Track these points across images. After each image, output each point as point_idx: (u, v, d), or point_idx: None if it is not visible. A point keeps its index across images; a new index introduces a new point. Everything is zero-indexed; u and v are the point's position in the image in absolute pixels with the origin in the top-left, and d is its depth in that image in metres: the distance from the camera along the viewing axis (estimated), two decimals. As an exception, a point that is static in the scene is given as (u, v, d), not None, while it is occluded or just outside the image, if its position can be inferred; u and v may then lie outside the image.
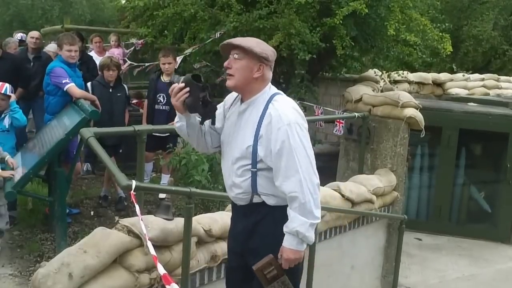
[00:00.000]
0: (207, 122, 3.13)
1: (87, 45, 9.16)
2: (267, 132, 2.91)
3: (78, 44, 6.21)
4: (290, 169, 2.89)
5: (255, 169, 2.99)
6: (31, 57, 7.52)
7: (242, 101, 3.09)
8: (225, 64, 3.02)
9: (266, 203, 3.04)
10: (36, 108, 7.16)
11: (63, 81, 5.79)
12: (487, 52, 15.21)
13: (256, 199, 3.05)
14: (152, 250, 2.71)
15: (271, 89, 3.06)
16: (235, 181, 3.08)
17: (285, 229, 2.96)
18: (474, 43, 14.99)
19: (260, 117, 2.95)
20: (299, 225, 2.91)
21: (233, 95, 3.19)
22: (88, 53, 8.51)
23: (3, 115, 5.78)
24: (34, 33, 7.92)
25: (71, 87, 5.80)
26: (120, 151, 6.70)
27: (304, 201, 2.89)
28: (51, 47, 8.62)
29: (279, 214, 3.00)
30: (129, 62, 8.96)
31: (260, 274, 3.00)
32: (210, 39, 6.87)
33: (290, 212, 2.94)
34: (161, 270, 2.56)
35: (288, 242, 2.96)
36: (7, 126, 5.78)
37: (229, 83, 3.02)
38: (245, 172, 3.03)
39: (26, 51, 7.70)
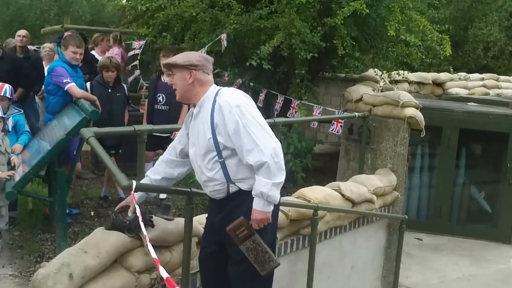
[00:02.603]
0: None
1: (90, 45, 9.15)
2: (221, 119, 3.21)
3: (84, 47, 6.22)
4: (249, 143, 3.15)
5: (222, 159, 3.27)
6: (20, 57, 7.49)
7: (194, 105, 3.42)
8: (168, 82, 3.61)
9: (241, 189, 3.30)
10: (28, 108, 7.16)
11: (64, 81, 5.79)
12: (496, 55, 15.17)
13: (232, 188, 3.31)
14: (153, 254, 2.70)
15: (216, 88, 3.40)
16: (208, 175, 3.33)
17: (252, 192, 3.22)
18: (483, 47, 14.96)
19: (211, 110, 3.27)
20: (262, 186, 3.16)
21: (188, 114, 3.54)
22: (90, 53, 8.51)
23: (6, 116, 5.79)
24: (21, 32, 7.91)
25: (72, 87, 5.79)
26: (120, 151, 6.69)
27: (267, 165, 3.14)
28: (48, 47, 8.63)
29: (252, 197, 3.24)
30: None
31: (233, 234, 3.23)
32: (211, 43, 6.86)
33: (256, 177, 3.20)
34: (163, 273, 2.55)
35: (255, 204, 3.21)
36: (10, 128, 5.80)
37: (177, 96, 3.47)
38: (214, 164, 3.29)
39: (14, 51, 7.67)
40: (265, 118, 3.38)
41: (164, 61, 3.58)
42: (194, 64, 3.35)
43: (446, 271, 7.17)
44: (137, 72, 9.25)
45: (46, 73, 6.38)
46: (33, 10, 17.68)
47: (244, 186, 3.30)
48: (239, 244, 3.25)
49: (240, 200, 3.31)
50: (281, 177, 3.21)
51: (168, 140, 6.57)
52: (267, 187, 3.16)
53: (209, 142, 3.25)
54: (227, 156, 3.26)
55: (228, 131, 3.19)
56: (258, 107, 3.50)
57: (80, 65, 6.36)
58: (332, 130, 6.47)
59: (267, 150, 3.14)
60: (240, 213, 3.25)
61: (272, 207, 3.27)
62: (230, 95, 3.29)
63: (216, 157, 3.27)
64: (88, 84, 6.46)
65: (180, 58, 3.39)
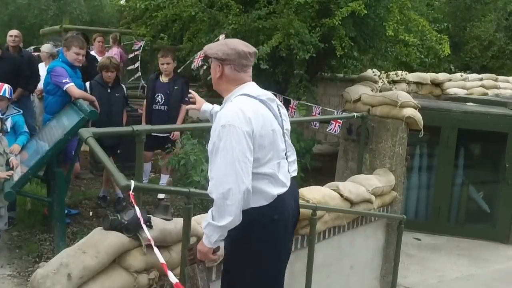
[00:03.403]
0: None
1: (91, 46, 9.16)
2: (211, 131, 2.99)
3: (85, 48, 6.23)
4: (212, 170, 2.92)
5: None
6: (19, 57, 7.48)
7: None
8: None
9: None
10: (23, 107, 7.14)
11: (63, 81, 5.80)
12: (496, 54, 15.18)
13: None
14: (161, 258, 2.71)
15: (241, 89, 3.07)
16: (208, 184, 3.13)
17: None
18: (481, 46, 14.96)
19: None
20: (205, 220, 2.95)
21: None
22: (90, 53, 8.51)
23: (4, 117, 5.81)
24: (13, 32, 7.90)
25: (71, 87, 5.80)
26: (118, 151, 6.69)
27: (215, 202, 2.87)
28: (46, 48, 8.62)
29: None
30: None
31: (185, 253, 3.13)
32: (210, 43, 6.86)
33: None
34: (173, 279, 2.55)
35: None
36: (8, 128, 5.81)
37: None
38: (208, 174, 3.08)
39: (7, 51, 7.67)
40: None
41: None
42: (221, 58, 3.02)
43: (445, 271, 7.18)
44: (138, 73, 9.25)
45: (45, 73, 6.37)
46: (32, 10, 17.68)
47: None
48: (186, 265, 3.12)
49: None
50: (223, 221, 2.83)
51: (167, 140, 6.60)
52: (204, 224, 2.95)
53: (208, 149, 3.06)
54: None
55: (208, 148, 2.99)
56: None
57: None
58: (330, 130, 6.48)
59: (221, 188, 2.82)
60: (227, 237, 3.02)
61: (209, 243, 2.95)
62: (230, 108, 2.94)
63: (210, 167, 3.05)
64: (87, 84, 6.46)
65: (212, 47, 3.09)
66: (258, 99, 3.05)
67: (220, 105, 3.30)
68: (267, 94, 3.16)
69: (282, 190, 3.16)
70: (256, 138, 2.93)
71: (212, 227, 2.90)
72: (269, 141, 3.02)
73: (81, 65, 6.24)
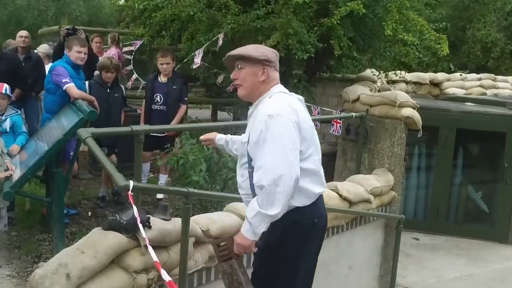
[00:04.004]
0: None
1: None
2: (252, 125, 2.97)
3: (87, 47, 6.23)
4: (259, 158, 2.84)
5: (251, 169, 2.95)
6: (22, 57, 7.48)
7: (252, 105, 3.15)
8: (232, 76, 3.12)
9: None
10: (29, 108, 7.17)
11: (63, 80, 5.81)
12: (498, 55, 15.19)
13: None
14: (154, 257, 2.71)
15: (277, 89, 3.08)
16: (239, 181, 3.14)
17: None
18: (484, 49, 14.97)
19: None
20: (250, 210, 2.86)
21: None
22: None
23: (4, 117, 5.81)
24: (23, 32, 7.90)
25: (70, 87, 5.80)
26: (116, 150, 6.69)
27: (264, 190, 2.78)
28: (42, 48, 8.61)
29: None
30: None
31: (215, 249, 3.01)
32: (208, 42, 6.87)
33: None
34: (166, 277, 2.55)
35: (242, 226, 2.92)
36: (7, 129, 5.81)
37: (240, 92, 3.12)
38: (244, 171, 3.05)
39: (16, 52, 7.68)
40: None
41: (232, 52, 3.08)
42: (270, 60, 3.05)
43: (443, 270, 7.18)
44: (134, 76, 9.22)
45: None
46: (31, 10, 17.66)
47: None
48: (218, 262, 3.03)
49: None
50: (274, 210, 2.78)
51: (166, 140, 6.60)
52: (252, 213, 2.82)
53: (244, 147, 3.07)
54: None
55: (251, 139, 2.92)
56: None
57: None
58: (333, 131, 6.49)
59: (272, 174, 2.75)
60: (260, 241, 2.93)
61: (253, 235, 2.85)
62: (274, 101, 2.95)
63: (247, 164, 3.02)
64: (86, 83, 6.47)
65: (254, 50, 3.05)
66: (295, 97, 3.13)
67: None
68: (296, 95, 3.21)
69: (322, 189, 3.16)
70: (300, 130, 2.93)
71: (261, 216, 2.80)
72: (310, 135, 3.04)
73: (83, 63, 6.22)
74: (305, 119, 3.03)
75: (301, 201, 3.00)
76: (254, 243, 2.91)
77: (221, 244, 3.02)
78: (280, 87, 3.10)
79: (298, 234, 3.03)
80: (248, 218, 2.85)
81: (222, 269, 2.99)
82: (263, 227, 2.84)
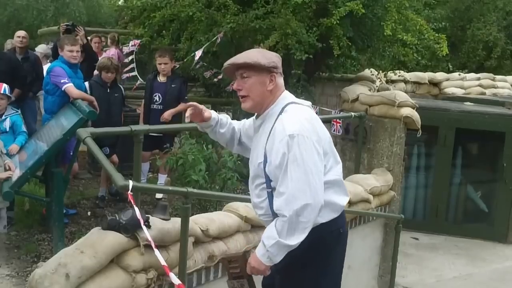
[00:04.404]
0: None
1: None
2: (270, 146, 2.72)
3: (79, 45, 6.22)
4: (281, 184, 2.67)
5: (270, 189, 2.79)
6: (20, 58, 7.48)
7: (257, 115, 2.94)
8: (235, 86, 2.88)
9: None
10: (26, 109, 7.16)
11: (62, 81, 5.81)
12: (499, 55, 15.20)
13: None
14: (162, 261, 2.71)
15: (285, 98, 2.87)
16: (255, 201, 2.94)
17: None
18: (485, 50, 14.97)
19: (270, 130, 2.78)
20: (267, 236, 2.71)
21: (254, 120, 3.04)
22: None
23: (3, 117, 5.81)
24: (21, 32, 7.90)
25: (69, 87, 5.81)
26: (116, 149, 6.70)
27: (285, 219, 2.63)
28: (41, 48, 8.61)
29: None
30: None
31: (225, 264, 2.91)
32: (209, 42, 6.87)
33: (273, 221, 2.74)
34: (175, 280, 2.54)
35: (257, 248, 2.78)
36: (7, 128, 5.81)
37: (245, 105, 2.87)
38: (262, 191, 2.86)
39: (14, 52, 7.67)
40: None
41: (236, 60, 2.79)
42: (277, 66, 2.81)
43: (443, 270, 7.18)
44: (134, 72, 9.23)
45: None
46: (30, 10, 17.64)
47: None
48: (228, 279, 2.94)
49: None
50: (294, 241, 2.65)
51: (165, 140, 6.61)
52: (270, 241, 2.68)
53: (259, 167, 2.81)
54: (275, 187, 2.75)
55: (272, 161, 2.70)
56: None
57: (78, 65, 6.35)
58: (333, 130, 6.49)
59: (295, 204, 2.60)
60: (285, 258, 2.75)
61: (268, 261, 2.72)
62: (291, 118, 2.72)
63: (264, 185, 2.82)
64: (86, 83, 6.47)
65: (260, 57, 2.77)
66: (306, 106, 2.91)
67: (217, 112, 3.13)
68: (306, 102, 3.01)
69: (347, 198, 3.03)
70: (321, 145, 2.78)
71: (279, 246, 2.66)
72: (329, 146, 2.88)
73: (77, 61, 6.20)
74: (323, 130, 2.86)
75: (328, 215, 2.87)
76: (269, 267, 2.79)
77: (233, 260, 2.93)
78: (288, 96, 2.90)
79: (326, 250, 2.92)
80: (265, 245, 2.70)
81: (232, 286, 2.92)
82: (281, 256, 2.71)
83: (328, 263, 2.97)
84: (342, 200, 2.97)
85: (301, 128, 2.68)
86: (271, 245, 2.67)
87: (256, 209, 2.97)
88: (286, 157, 2.63)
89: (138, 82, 8.55)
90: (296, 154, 2.62)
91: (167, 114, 6.63)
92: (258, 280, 3.04)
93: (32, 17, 17.51)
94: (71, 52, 6.01)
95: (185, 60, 7.41)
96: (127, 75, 8.50)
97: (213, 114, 3.12)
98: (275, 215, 2.75)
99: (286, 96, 2.89)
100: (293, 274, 2.91)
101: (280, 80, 2.86)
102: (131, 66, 8.71)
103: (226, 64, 2.85)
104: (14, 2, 17.87)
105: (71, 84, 5.83)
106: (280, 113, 2.79)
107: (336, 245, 2.99)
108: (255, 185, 2.89)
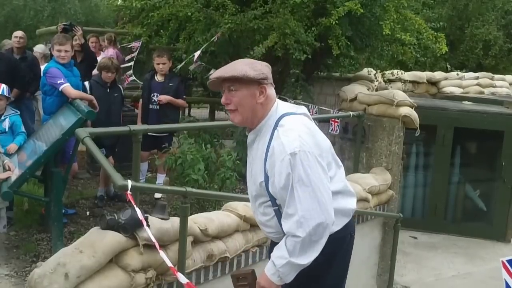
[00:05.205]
0: None
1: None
2: (271, 165, 2.59)
3: (69, 43, 6.18)
4: (290, 206, 2.55)
5: (276, 207, 2.68)
6: (17, 58, 7.48)
7: (248, 129, 2.80)
8: (223, 100, 2.71)
9: None
10: (24, 109, 7.15)
11: (58, 82, 5.80)
12: (497, 54, 15.23)
13: None
14: (169, 263, 2.71)
15: (278, 109, 2.71)
16: (261, 220, 2.84)
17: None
18: (485, 48, 14.99)
19: (266, 147, 2.64)
20: (277, 256, 2.62)
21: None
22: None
23: (3, 117, 5.81)
24: (18, 33, 7.89)
25: (66, 87, 5.79)
26: (116, 150, 6.69)
27: (298, 240, 2.54)
28: (39, 48, 8.60)
29: None
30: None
31: (234, 281, 2.83)
32: (207, 43, 6.88)
33: (282, 240, 2.64)
34: (183, 279, 2.54)
35: (266, 267, 2.69)
36: (6, 129, 5.81)
37: (235, 119, 2.73)
38: (267, 209, 2.75)
39: (11, 52, 7.67)
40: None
41: (223, 74, 2.62)
42: (267, 77, 2.66)
43: (441, 269, 7.20)
44: (132, 77, 9.23)
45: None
46: (27, 11, 17.60)
47: None
48: None
49: None
50: (306, 260, 2.56)
51: (163, 140, 6.61)
52: (281, 261, 2.58)
53: (261, 186, 2.69)
54: (281, 204, 2.65)
55: (276, 183, 2.58)
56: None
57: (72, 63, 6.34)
58: (331, 130, 6.50)
59: (307, 225, 2.50)
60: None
61: (278, 280, 2.63)
62: (290, 134, 2.57)
63: (269, 203, 2.71)
64: (86, 83, 6.47)
65: (248, 69, 2.61)
66: (301, 114, 2.76)
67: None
68: (301, 108, 2.85)
69: (355, 199, 2.95)
70: (324, 157, 2.67)
71: (291, 266, 2.58)
72: (330, 155, 2.77)
73: (65, 61, 6.15)
74: (323, 139, 2.73)
75: (340, 222, 2.81)
76: (280, 286, 2.70)
77: (241, 277, 2.84)
78: (280, 106, 2.74)
79: (340, 258, 2.90)
80: (276, 265, 2.61)
81: None
82: (292, 276, 2.62)
83: (344, 269, 3.00)
84: (351, 203, 2.90)
85: (302, 143, 2.54)
86: (282, 265, 2.59)
87: (264, 227, 2.87)
88: (291, 177, 2.52)
89: (131, 78, 8.54)
90: (301, 173, 2.51)
91: (164, 97, 6.66)
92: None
93: (29, 17, 17.48)
94: (59, 52, 5.97)
95: (184, 61, 7.40)
96: (126, 82, 8.48)
97: None
98: (283, 232, 2.66)
99: (279, 107, 2.74)
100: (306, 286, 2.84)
101: (272, 91, 2.71)
102: (129, 71, 8.72)
103: (212, 77, 2.69)
104: (11, 2, 17.83)
105: (68, 84, 5.82)
106: (275, 127, 2.64)
107: (347, 252, 2.96)
108: (259, 203, 2.79)
